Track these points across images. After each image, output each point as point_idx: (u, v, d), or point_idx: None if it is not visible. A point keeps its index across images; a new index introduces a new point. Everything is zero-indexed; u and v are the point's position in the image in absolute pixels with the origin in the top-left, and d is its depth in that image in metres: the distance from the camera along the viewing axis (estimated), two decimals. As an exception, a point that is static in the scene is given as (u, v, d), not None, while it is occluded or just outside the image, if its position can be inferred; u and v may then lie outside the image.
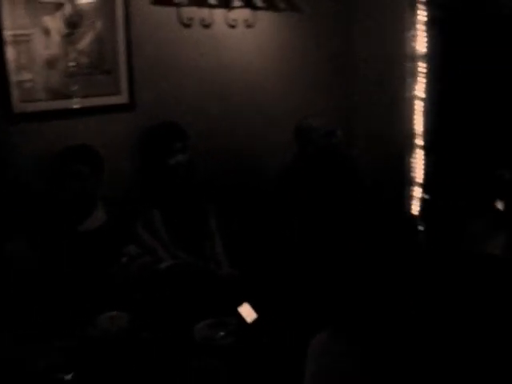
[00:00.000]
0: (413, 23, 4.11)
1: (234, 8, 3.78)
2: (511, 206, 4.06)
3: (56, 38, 3.22)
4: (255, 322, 2.30)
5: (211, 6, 3.68)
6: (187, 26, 3.63)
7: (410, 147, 4.19)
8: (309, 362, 1.74)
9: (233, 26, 3.82)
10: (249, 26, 3.89)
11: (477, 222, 3.86)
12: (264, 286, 2.72)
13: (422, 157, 4.21)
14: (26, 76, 3.14)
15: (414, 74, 4.13)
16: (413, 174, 4.26)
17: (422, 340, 1.77)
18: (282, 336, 2.25)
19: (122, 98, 3.45)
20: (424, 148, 4.18)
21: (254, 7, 3.87)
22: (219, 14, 3.74)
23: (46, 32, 3.16)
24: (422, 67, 4.10)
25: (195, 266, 3.25)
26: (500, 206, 4.10)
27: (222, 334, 2.32)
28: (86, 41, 3.30)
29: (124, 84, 3.43)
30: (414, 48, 4.13)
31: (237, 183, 3.82)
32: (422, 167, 4.24)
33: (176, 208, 3.43)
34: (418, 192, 4.28)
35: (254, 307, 2.34)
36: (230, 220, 3.59)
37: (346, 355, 1.69)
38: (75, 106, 3.30)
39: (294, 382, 1.83)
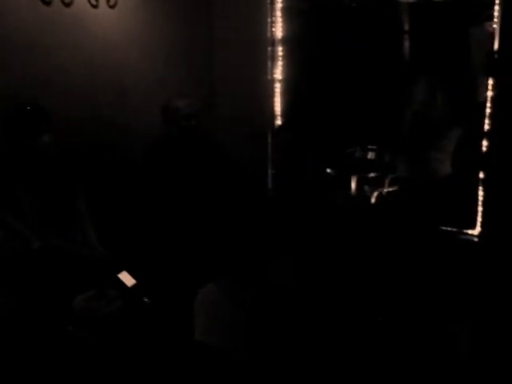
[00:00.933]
0: (272, 10, 4.33)
1: (95, -13, 3.73)
2: (363, 181, 4.47)
3: None
4: (135, 286, 2.35)
5: (71, -16, 3.60)
6: (47, 3, 3.52)
7: (271, 127, 4.42)
8: (198, 314, 1.82)
9: (94, 6, 3.77)
10: (111, 6, 3.86)
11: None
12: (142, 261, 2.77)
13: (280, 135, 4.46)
14: None
15: (273, 57, 4.36)
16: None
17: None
18: (162, 295, 2.32)
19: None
20: (280, 127, 4.43)
21: (115, -13, 3.85)
22: (81, -8, 3.67)
23: None
24: (280, 51, 4.34)
25: (64, 248, 3.19)
26: (353, 182, 4.48)
27: (102, 303, 2.32)
28: None
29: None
30: (273, 33, 4.35)
31: (103, 163, 3.79)
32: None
33: (43, 190, 3.33)
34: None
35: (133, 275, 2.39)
36: (100, 200, 3.56)
37: (233, 304, 1.80)
38: None
39: (181, 336, 1.91)
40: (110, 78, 3.90)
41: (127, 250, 3.05)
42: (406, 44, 4.22)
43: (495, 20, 3.77)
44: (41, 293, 2.56)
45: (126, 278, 2.34)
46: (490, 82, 3.78)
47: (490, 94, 3.79)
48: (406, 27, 4.27)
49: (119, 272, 2.36)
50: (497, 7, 3.75)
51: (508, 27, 3.79)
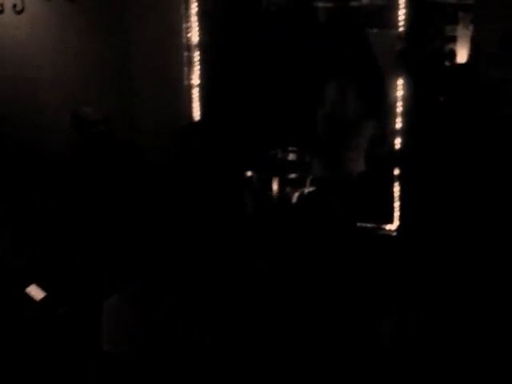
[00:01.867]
0: (187, 15, 4.32)
1: (1, -8, 3.61)
2: (285, 182, 4.53)
3: None
4: (45, 299, 2.29)
5: (-26, -11, 3.47)
6: None
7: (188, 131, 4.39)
8: (104, 324, 1.80)
9: (0, 11, 3.65)
10: (18, 11, 3.75)
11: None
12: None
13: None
14: None
15: (190, 62, 4.34)
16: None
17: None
18: (76, 304, 2.27)
19: None
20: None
21: (22, -7, 3.74)
22: (-15, -3, 3.54)
23: None
24: (197, 56, 4.33)
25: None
26: (275, 183, 4.53)
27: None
28: None
29: None
30: (189, 38, 4.34)
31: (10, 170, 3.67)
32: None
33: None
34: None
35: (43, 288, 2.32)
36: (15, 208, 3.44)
37: (136, 312, 1.78)
38: None
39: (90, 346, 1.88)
40: (19, 85, 3.78)
41: (41, 260, 2.95)
42: (321, 47, 4.29)
43: (402, 23, 3.92)
44: None
45: (35, 292, 2.27)
46: (400, 81, 3.93)
47: (400, 93, 3.93)
48: (321, 31, 4.36)
49: (28, 286, 2.29)
50: (403, 11, 3.90)
51: (415, 29, 3.96)
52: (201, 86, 4.34)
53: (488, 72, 4.02)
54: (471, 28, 4.06)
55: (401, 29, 3.92)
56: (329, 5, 5.05)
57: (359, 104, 3.02)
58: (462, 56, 4.09)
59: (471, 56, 4.15)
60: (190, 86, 4.35)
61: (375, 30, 4.26)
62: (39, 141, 3.92)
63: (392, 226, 4.11)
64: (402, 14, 3.91)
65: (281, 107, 4.24)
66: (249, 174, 4.42)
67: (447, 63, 4.37)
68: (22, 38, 3.77)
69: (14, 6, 3.69)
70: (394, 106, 3.94)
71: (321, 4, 5.02)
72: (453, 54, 4.20)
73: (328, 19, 4.44)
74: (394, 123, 3.95)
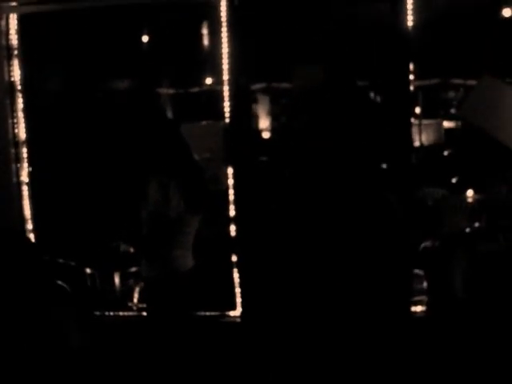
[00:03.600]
0: (13, 110, 4.19)
1: None
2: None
3: None
4: None
5: None
6: None
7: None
8: None
9: None
10: None
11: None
12: None
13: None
14: None
15: (18, 159, 4.18)
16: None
17: None
18: None
19: None
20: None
21: None
22: None
23: None
24: (25, 153, 4.19)
25: None
26: (117, 278, 4.44)
27: None
28: None
29: None
30: (16, 134, 4.19)
31: None
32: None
33: None
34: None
35: None
36: None
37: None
38: None
39: None
40: None
41: None
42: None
43: (228, 114, 4.06)
44: None
45: None
46: (230, 170, 4.04)
47: (231, 182, 4.04)
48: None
49: None
50: (228, 103, 4.05)
51: (242, 116, 4.13)
52: (30, 183, 4.18)
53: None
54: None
55: (227, 119, 4.06)
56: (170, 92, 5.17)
57: (181, 201, 3.01)
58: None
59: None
60: (20, 184, 4.18)
61: (205, 122, 4.41)
62: None
63: (236, 313, 4.13)
64: (227, 105, 4.05)
65: (114, 203, 4.20)
66: (88, 270, 4.27)
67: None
68: None
69: None
70: (226, 194, 4.04)
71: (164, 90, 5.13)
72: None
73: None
74: (228, 211, 4.05)
